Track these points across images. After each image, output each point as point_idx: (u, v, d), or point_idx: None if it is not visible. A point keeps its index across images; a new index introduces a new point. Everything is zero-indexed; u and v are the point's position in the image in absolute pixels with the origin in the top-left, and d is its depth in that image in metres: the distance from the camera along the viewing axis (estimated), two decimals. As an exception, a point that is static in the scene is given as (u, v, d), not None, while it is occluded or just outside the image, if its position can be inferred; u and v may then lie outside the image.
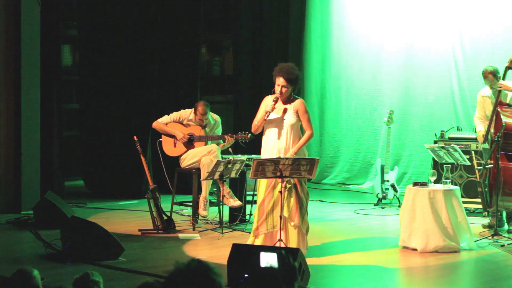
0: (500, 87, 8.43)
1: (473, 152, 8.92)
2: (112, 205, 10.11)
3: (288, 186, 7.09)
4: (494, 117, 8.38)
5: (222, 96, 13.47)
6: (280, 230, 7.03)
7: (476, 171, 8.62)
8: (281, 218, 7.03)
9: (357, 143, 12.02)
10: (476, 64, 10.90)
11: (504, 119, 8.26)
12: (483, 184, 8.45)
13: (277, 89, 7.29)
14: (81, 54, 11.28)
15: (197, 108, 9.00)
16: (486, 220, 8.80)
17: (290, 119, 7.28)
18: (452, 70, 11.20)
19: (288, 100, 7.35)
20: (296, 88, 7.44)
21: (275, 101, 7.33)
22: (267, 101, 7.40)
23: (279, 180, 7.04)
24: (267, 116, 7.29)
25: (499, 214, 8.30)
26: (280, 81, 7.28)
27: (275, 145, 7.27)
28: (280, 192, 7.03)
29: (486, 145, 8.61)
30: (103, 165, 10.84)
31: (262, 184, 7.23)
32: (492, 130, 8.41)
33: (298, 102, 7.34)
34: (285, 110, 7.30)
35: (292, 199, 7.11)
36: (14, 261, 7.16)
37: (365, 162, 11.95)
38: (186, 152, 8.97)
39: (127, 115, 10.66)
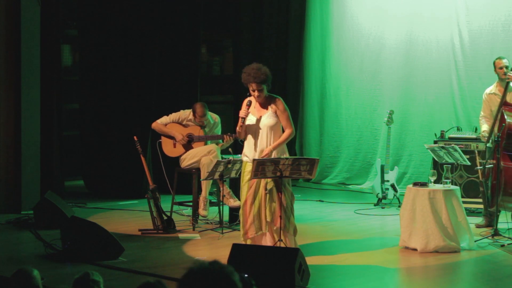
0: (509, 78, 8.42)
1: (476, 152, 8.91)
2: (112, 205, 10.11)
3: (268, 187, 7.02)
4: (499, 117, 8.37)
5: (222, 96, 13.46)
6: (281, 231, 7.01)
7: (478, 170, 8.61)
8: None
9: (357, 143, 12.02)
10: (476, 64, 10.92)
11: (508, 119, 8.24)
12: (485, 184, 8.44)
13: (254, 95, 7.17)
14: (81, 54, 11.28)
15: (195, 110, 8.99)
16: (478, 219, 8.82)
17: (269, 120, 7.16)
18: (452, 70, 11.20)
19: (266, 100, 7.24)
20: (270, 85, 7.26)
21: (249, 106, 7.22)
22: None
23: (262, 181, 7.01)
24: (243, 122, 7.19)
25: (494, 215, 8.28)
26: (252, 87, 7.16)
27: (258, 147, 7.16)
28: (266, 192, 7.00)
29: (490, 144, 8.59)
30: (103, 165, 10.84)
31: (245, 185, 7.18)
32: (496, 129, 8.40)
33: (276, 101, 7.21)
34: (263, 111, 7.21)
35: (274, 203, 7.03)
36: (14, 261, 7.17)
37: (365, 162, 11.95)
38: (186, 152, 8.98)
39: (127, 115, 10.66)
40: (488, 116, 8.74)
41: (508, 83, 8.45)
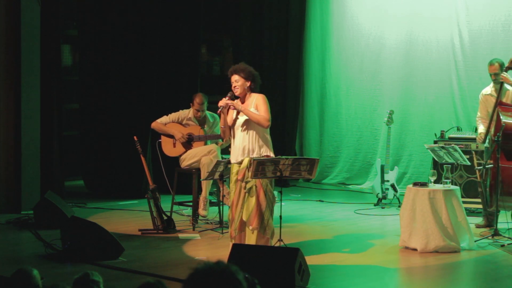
0: (502, 79, 8.47)
1: (473, 152, 8.93)
2: (112, 205, 10.11)
3: (247, 187, 6.98)
4: (495, 117, 8.40)
5: (222, 96, 13.44)
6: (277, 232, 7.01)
7: (477, 171, 8.63)
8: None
9: (357, 143, 12.02)
10: (476, 64, 10.91)
11: (504, 119, 8.27)
12: (483, 184, 8.44)
13: (232, 87, 7.15)
14: (81, 54, 11.28)
15: (195, 98, 9.02)
16: (478, 219, 8.83)
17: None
18: (452, 70, 11.20)
19: (249, 98, 7.16)
20: (255, 85, 7.18)
21: (230, 97, 7.17)
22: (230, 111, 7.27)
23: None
24: (220, 111, 7.13)
25: (494, 215, 8.29)
26: (232, 79, 7.15)
27: (240, 146, 7.10)
28: (245, 191, 6.98)
29: (487, 145, 8.61)
30: (103, 165, 10.84)
31: (233, 187, 7.16)
32: (492, 130, 8.42)
33: (257, 97, 7.14)
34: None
35: (252, 203, 6.99)
36: (14, 261, 7.17)
37: (365, 162, 11.95)
38: (185, 152, 8.98)
39: (127, 115, 10.66)
40: (484, 117, 8.80)
41: (502, 83, 8.49)
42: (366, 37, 11.85)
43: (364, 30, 11.86)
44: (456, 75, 11.17)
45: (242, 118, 7.12)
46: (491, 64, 8.69)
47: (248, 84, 7.15)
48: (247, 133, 7.09)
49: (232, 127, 7.19)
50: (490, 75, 8.71)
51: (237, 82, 7.14)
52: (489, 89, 8.80)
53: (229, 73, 7.24)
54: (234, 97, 7.21)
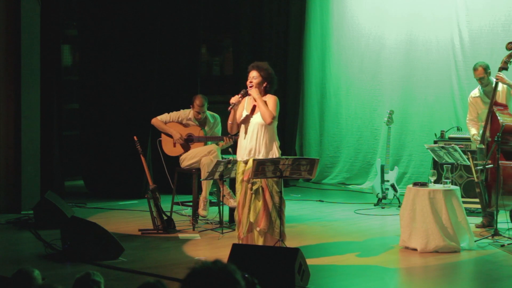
0: (497, 79, 8.51)
1: (468, 152, 8.95)
2: (112, 205, 10.11)
3: (254, 188, 6.96)
4: (490, 118, 8.42)
5: (222, 96, 13.46)
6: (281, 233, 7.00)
7: (474, 171, 8.63)
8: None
9: (357, 143, 12.02)
10: (476, 64, 10.93)
11: (501, 119, 8.29)
12: (482, 185, 8.45)
13: (248, 83, 7.12)
14: (81, 54, 11.28)
15: (195, 100, 9.02)
16: (478, 220, 8.83)
17: (260, 117, 7.08)
18: (452, 70, 11.21)
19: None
20: (271, 87, 7.17)
21: (242, 94, 7.15)
22: (243, 102, 7.23)
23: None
24: (231, 108, 7.12)
25: (493, 215, 8.29)
26: (250, 74, 7.13)
27: (247, 146, 7.09)
28: (252, 192, 6.97)
29: (481, 145, 8.62)
30: (103, 165, 10.84)
31: (239, 186, 7.15)
32: (487, 133, 8.44)
33: (269, 97, 7.11)
34: (255, 108, 7.14)
35: (259, 204, 6.98)
36: (14, 261, 7.16)
37: (365, 162, 11.95)
38: (185, 152, 8.98)
39: (127, 115, 10.66)
40: (474, 119, 8.89)
41: (497, 83, 8.53)
42: (366, 37, 11.86)
43: (364, 30, 11.87)
44: (456, 75, 11.18)
45: (253, 118, 7.12)
46: (475, 69, 8.82)
47: (264, 84, 7.15)
48: (255, 134, 7.08)
49: (243, 123, 7.18)
50: (476, 80, 8.80)
51: (255, 78, 7.13)
52: (477, 91, 8.91)
53: (249, 67, 7.22)
54: (246, 95, 7.20)
